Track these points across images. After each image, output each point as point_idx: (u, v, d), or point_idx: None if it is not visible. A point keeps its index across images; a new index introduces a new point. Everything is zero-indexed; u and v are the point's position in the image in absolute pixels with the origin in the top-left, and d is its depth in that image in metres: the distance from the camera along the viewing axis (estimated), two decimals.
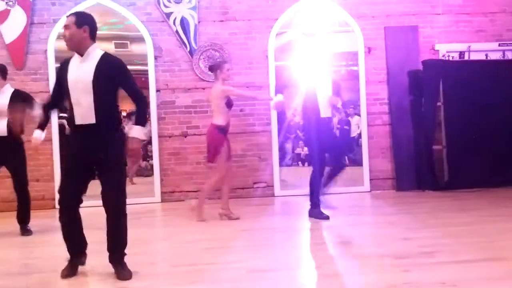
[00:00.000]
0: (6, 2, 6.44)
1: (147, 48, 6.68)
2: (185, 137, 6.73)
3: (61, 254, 4.13)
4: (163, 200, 6.66)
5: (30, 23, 6.51)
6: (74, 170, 3.20)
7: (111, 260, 3.25)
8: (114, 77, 3.15)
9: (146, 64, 6.71)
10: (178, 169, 6.70)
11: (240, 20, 6.79)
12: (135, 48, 7.12)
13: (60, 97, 3.29)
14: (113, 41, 7.24)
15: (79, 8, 6.65)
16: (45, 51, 6.53)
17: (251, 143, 6.76)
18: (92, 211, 3.89)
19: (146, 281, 3.16)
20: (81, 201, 3.30)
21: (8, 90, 4.85)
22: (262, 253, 3.78)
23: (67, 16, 3.30)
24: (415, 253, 3.49)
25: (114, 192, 3.17)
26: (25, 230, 4.86)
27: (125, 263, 3.24)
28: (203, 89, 6.71)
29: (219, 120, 5.05)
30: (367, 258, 3.46)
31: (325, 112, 5.00)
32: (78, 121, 3.13)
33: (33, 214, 5.11)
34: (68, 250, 3.32)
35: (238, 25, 6.79)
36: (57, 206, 3.27)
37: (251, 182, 6.75)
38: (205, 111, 6.71)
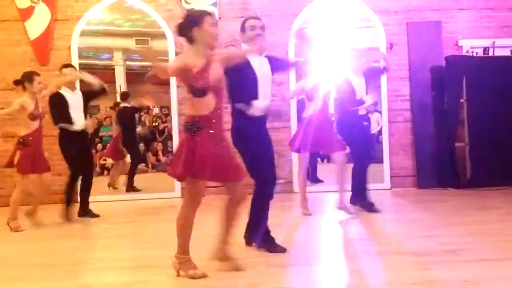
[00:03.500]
0: None
1: (168, 45, 6.73)
2: None
3: (88, 246, 4.22)
4: (182, 195, 6.69)
5: (54, 20, 6.62)
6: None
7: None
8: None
9: (167, 61, 6.75)
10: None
11: (261, 15, 6.76)
12: (155, 44, 7.19)
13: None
14: (134, 38, 7.33)
15: (102, 4, 6.74)
16: (69, 47, 6.64)
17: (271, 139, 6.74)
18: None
19: (165, 275, 3.19)
20: None
21: (78, 88, 5.44)
22: None
23: (259, 18, 3.69)
24: (437, 251, 3.44)
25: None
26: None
27: None
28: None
29: None
30: (388, 256, 3.43)
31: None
32: (258, 113, 3.44)
33: (56, 207, 5.22)
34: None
35: None
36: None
37: None
38: (225, 107, 6.73)
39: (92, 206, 5.52)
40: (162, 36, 6.77)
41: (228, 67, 3.31)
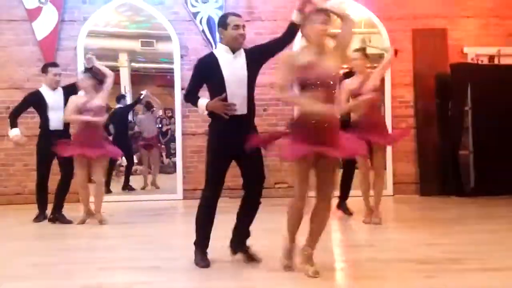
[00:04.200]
0: (39, 0, 6.60)
1: (173, 47, 6.75)
2: None
3: (89, 246, 4.22)
4: (184, 197, 6.71)
5: (61, 21, 6.65)
6: (224, 161, 3.32)
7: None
8: (259, 64, 3.39)
9: (172, 63, 6.78)
10: (200, 167, 6.73)
11: (266, 20, 6.80)
12: (160, 46, 7.22)
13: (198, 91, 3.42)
14: (140, 40, 7.36)
15: (109, 6, 6.77)
16: (75, 48, 6.67)
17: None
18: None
19: (167, 276, 3.19)
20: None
21: (59, 87, 5.30)
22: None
23: (241, 16, 3.41)
24: (439, 259, 3.42)
25: (261, 177, 3.44)
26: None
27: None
28: None
29: None
30: (390, 263, 3.41)
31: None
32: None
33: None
34: (203, 239, 3.39)
35: (264, 25, 6.79)
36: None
37: (272, 182, 6.73)
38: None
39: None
40: (167, 38, 6.79)
41: (197, 67, 3.34)
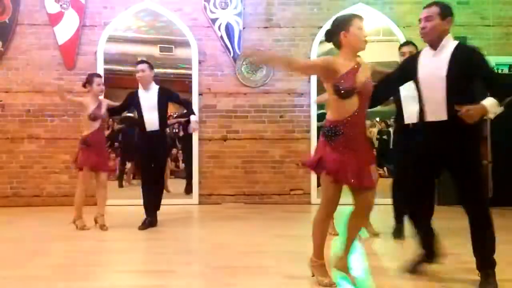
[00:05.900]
0: (61, 5, 6.73)
1: (192, 53, 6.81)
2: (225, 141, 6.80)
3: (106, 249, 4.27)
4: (200, 202, 6.75)
5: (82, 26, 6.77)
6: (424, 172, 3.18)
7: (478, 267, 3.10)
8: (468, 68, 2.91)
9: (190, 69, 6.85)
10: (216, 172, 6.78)
11: (284, 27, 6.83)
12: (179, 52, 7.29)
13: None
14: (159, 45, 7.45)
15: (129, 11, 6.88)
16: (95, 52, 6.77)
17: (290, 149, 6.77)
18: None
19: (182, 280, 3.21)
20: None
21: (154, 87, 5.16)
22: (297, 260, 3.76)
23: (429, 6, 3.14)
24: (455, 269, 3.39)
25: (475, 194, 3.14)
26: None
27: (490, 274, 3.01)
28: (245, 94, 6.79)
29: None
30: (406, 272, 3.38)
31: None
32: (430, 117, 3.01)
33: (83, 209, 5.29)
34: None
35: (282, 32, 6.83)
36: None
37: (288, 188, 6.75)
38: (245, 116, 6.79)
39: (111, 210, 5.56)
40: (186, 44, 6.86)
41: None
